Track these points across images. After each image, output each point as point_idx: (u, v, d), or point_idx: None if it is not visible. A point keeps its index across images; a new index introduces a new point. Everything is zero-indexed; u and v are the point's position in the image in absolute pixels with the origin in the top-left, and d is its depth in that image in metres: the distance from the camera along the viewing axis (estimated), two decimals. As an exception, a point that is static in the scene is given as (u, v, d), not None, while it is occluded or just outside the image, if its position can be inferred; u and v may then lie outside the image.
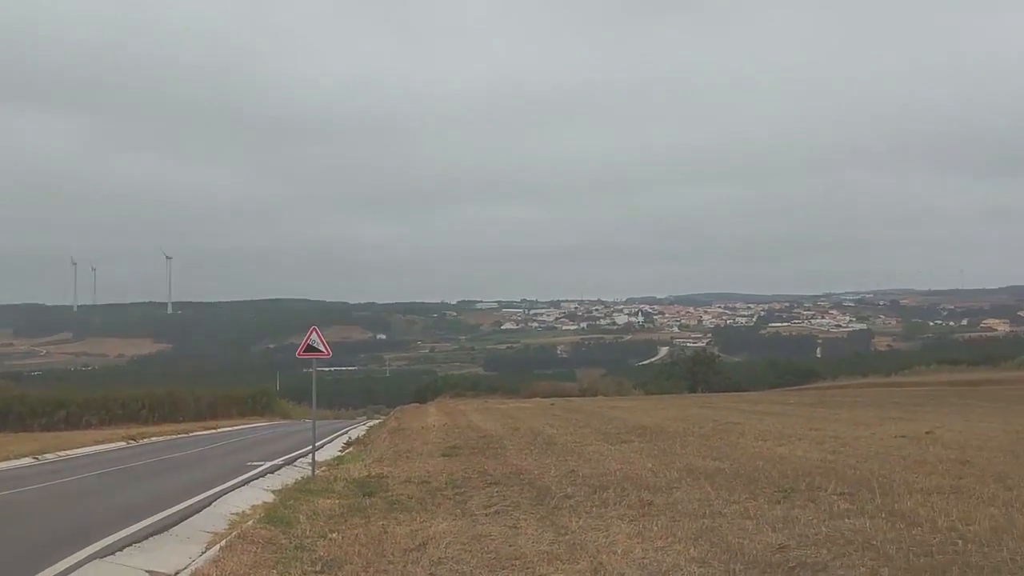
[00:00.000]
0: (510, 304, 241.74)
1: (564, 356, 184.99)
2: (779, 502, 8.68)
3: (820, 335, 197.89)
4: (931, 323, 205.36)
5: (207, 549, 8.32)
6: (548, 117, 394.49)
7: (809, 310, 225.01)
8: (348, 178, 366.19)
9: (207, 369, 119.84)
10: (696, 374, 71.91)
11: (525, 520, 8.67)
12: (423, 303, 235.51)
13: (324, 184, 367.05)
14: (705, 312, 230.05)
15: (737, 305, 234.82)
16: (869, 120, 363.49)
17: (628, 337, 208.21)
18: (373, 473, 13.29)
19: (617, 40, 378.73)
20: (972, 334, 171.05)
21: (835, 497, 8.70)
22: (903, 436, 14.53)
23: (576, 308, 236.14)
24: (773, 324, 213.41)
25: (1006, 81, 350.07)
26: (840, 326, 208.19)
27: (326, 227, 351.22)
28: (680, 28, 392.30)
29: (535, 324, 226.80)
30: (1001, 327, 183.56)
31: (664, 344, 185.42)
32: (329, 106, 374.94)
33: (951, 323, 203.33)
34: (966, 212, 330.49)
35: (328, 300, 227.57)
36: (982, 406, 22.39)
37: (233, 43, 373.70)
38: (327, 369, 69.35)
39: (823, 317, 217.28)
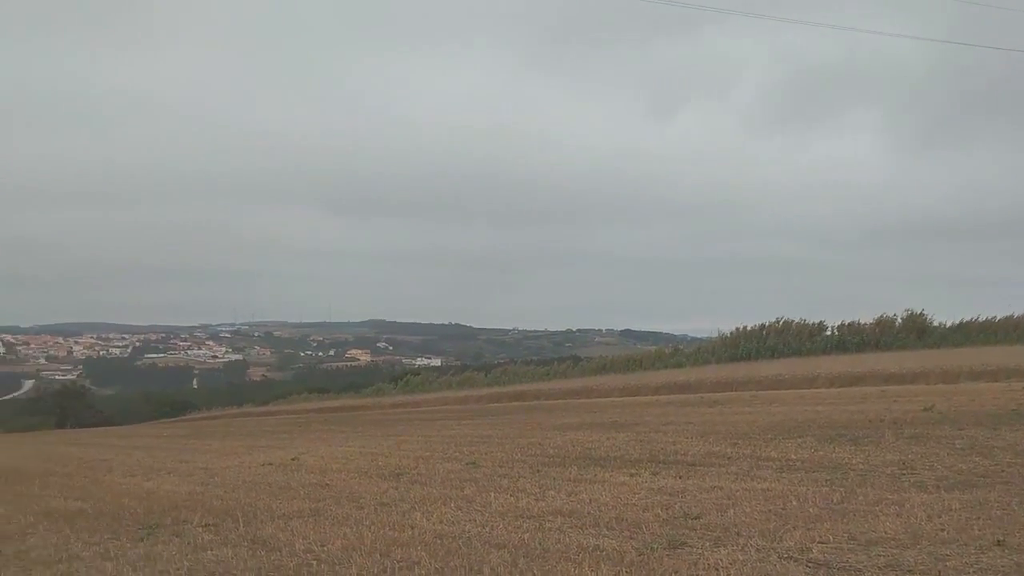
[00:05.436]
0: None
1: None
2: (143, 539, 8.40)
3: (197, 366, 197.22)
4: (302, 354, 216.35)
5: None
6: None
7: (186, 341, 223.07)
8: None
9: None
10: (65, 409, 67.64)
11: None
12: None
13: None
14: (76, 342, 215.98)
15: (111, 335, 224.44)
16: (253, 155, 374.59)
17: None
18: None
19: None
20: (338, 364, 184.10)
21: (200, 529, 8.67)
22: (271, 463, 14.99)
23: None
24: (149, 355, 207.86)
25: (371, 134, 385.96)
26: (217, 357, 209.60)
27: None
28: (76, 39, 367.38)
29: None
30: (363, 357, 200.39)
31: (29, 377, 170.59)
32: None
33: (320, 353, 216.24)
34: (335, 250, 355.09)
35: None
36: (343, 431, 24.00)
37: None
38: None
39: (200, 348, 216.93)
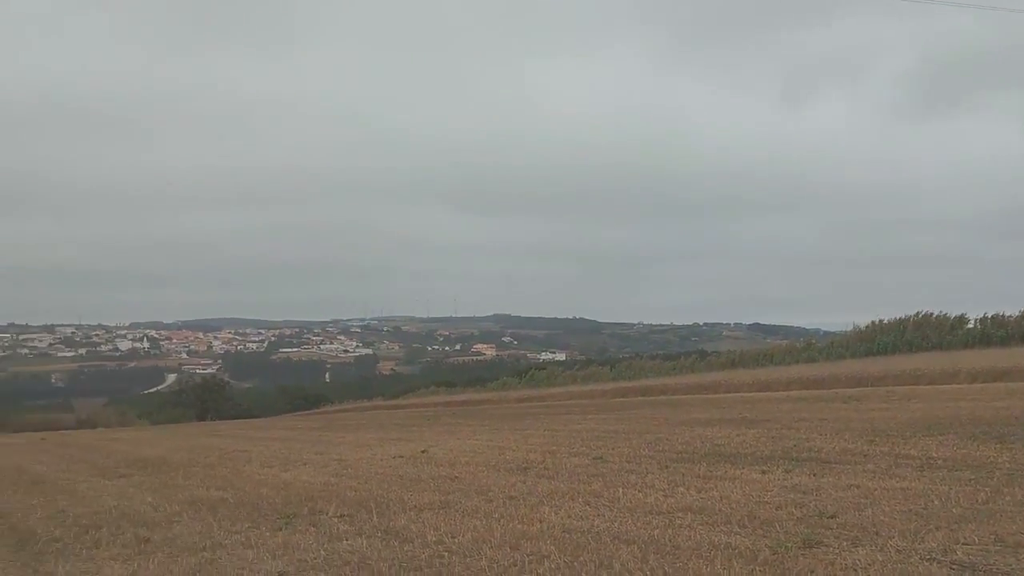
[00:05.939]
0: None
1: (60, 385, 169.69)
2: (281, 528, 8.69)
3: (329, 360, 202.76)
4: (429, 348, 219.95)
5: None
6: (65, 124, 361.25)
7: (318, 335, 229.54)
8: None
9: None
10: (205, 401, 70.19)
11: (3, 570, 7.81)
12: None
13: None
14: (215, 337, 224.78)
15: (248, 331, 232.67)
16: (379, 153, 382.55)
17: (133, 364, 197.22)
18: None
19: (151, 51, 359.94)
20: (465, 358, 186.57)
21: (335, 519, 8.91)
22: (401, 456, 15.27)
23: (74, 333, 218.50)
24: (284, 350, 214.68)
25: (504, 131, 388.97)
26: (348, 351, 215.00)
27: None
28: (223, 47, 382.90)
29: (25, 351, 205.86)
30: (489, 351, 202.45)
31: (172, 371, 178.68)
32: None
33: (447, 348, 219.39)
34: (461, 246, 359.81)
35: None
36: (470, 424, 24.24)
37: None
38: None
39: (332, 343, 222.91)
